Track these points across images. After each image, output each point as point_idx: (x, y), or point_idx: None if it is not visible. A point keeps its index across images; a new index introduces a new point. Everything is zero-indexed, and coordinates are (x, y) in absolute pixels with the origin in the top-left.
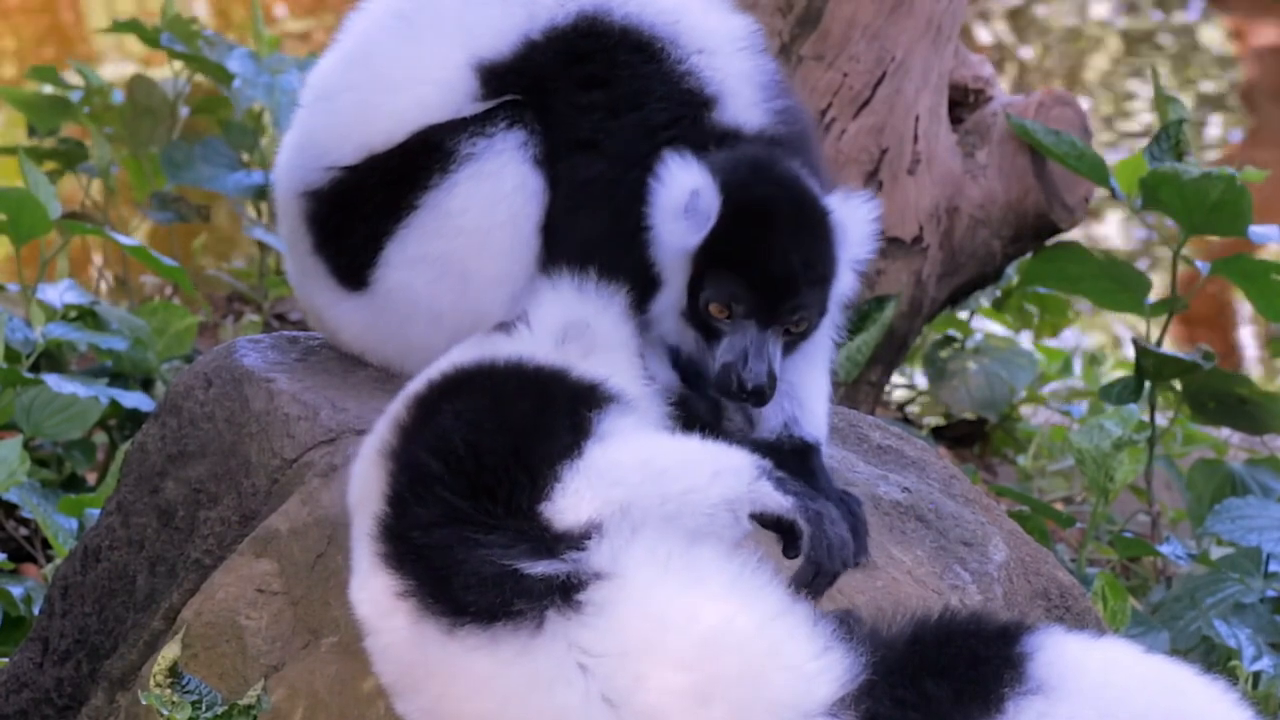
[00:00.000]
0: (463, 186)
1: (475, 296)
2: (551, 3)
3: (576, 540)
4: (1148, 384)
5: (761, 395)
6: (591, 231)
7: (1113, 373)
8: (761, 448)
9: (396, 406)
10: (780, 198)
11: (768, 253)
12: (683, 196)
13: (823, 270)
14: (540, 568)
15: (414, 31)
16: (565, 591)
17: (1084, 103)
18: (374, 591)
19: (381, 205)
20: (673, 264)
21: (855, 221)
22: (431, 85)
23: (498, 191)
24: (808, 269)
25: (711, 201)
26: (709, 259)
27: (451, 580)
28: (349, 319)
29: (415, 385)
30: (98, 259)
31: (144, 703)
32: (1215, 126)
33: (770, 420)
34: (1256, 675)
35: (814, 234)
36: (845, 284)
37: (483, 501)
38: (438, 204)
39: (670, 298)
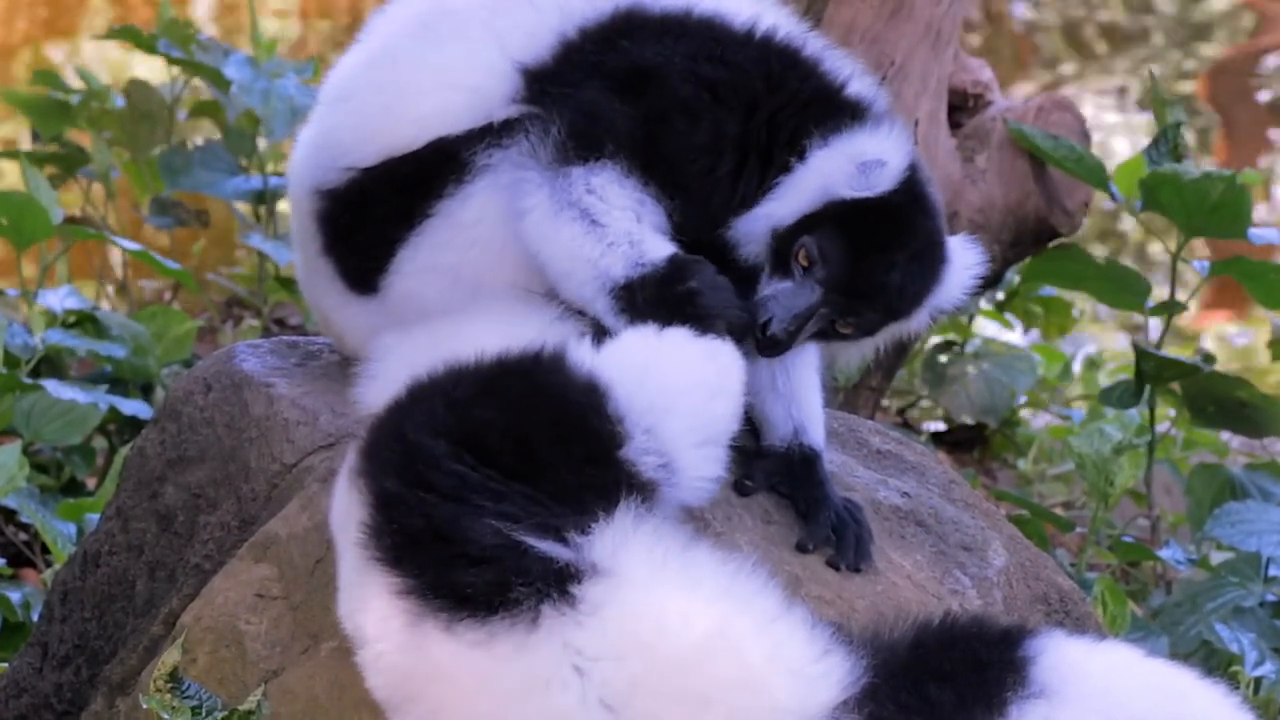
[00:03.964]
0: (477, 198)
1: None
2: (582, 3)
3: (582, 521)
4: (1148, 387)
5: (775, 345)
6: (696, 134)
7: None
8: (772, 457)
9: (364, 427)
10: (927, 226)
11: (886, 258)
12: (878, 155)
13: (909, 307)
14: (544, 546)
15: (439, 39)
16: (561, 581)
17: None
18: (368, 598)
19: (395, 210)
20: (804, 191)
21: (961, 270)
22: (460, 91)
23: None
24: (899, 299)
25: (889, 177)
26: (838, 213)
27: (453, 561)
28: (356, 322)
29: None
30: (97, 264)
31: (145, 707)
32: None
33: (780, 429)
34: (1258, 680)
35: (928, 274)
36: (913, 323)
37: (493, 469)
38: (451, 214)
39: (775, 213)
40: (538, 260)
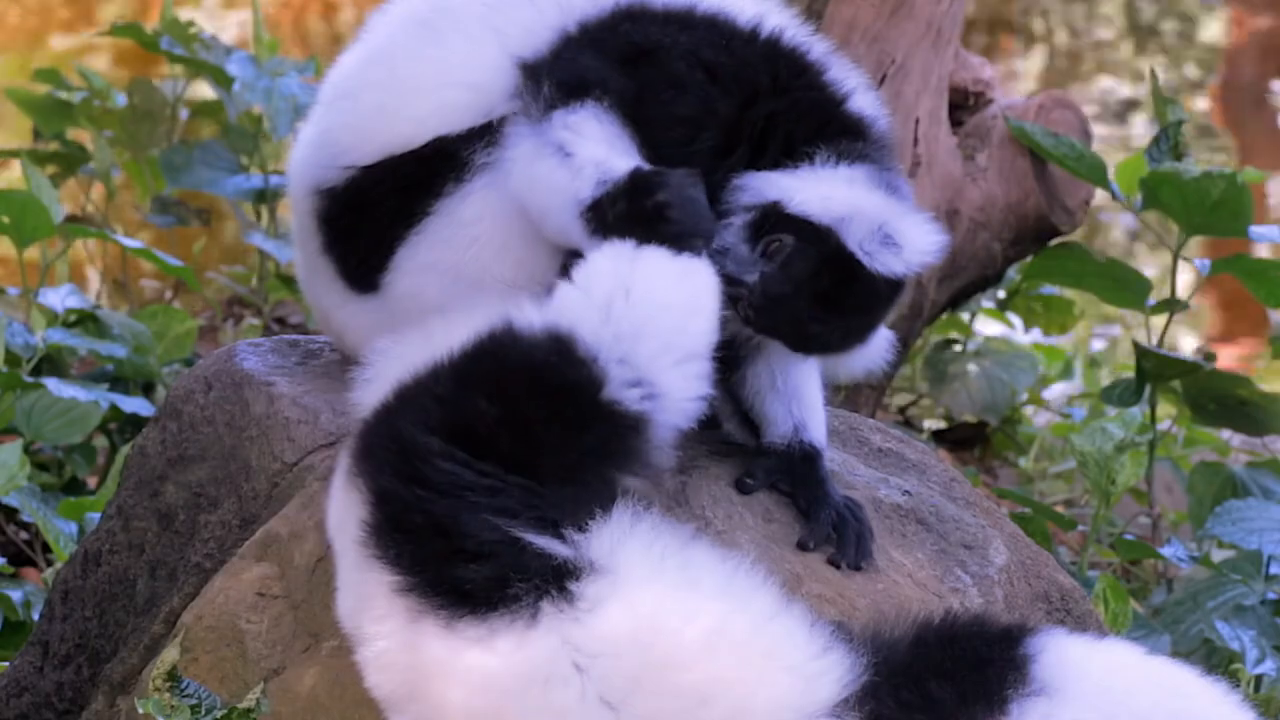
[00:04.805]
0: (477, 196)
1: None
2: (584, 1)
3: (581, 515)
4: (1149, 385)
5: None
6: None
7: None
8: (773, 455)
9: (354, 430)
10: (879, 314)
11: (827, 313)
12: (906, 242)
13: (807, 350)
14: (541, 542)
15: (438, 36)
16: (560, 578)
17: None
18: (368, 597)
19: (395, 209)
20: (823, 200)
21: (865, 358)
22: (460, 88)
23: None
24: (803, 341)
25: (895, 266)
26: (831, 247)
27: (452, 557)
28: (356, 321)
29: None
30: (98, 263)
31: (142, 708)
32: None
33: (780, 426)
34: (1258, 678)
35: (843, 344)
36: (796, 358)
37: (488, 461)
38: (451, 212)
39: (788, 193)
40: (524, 207)
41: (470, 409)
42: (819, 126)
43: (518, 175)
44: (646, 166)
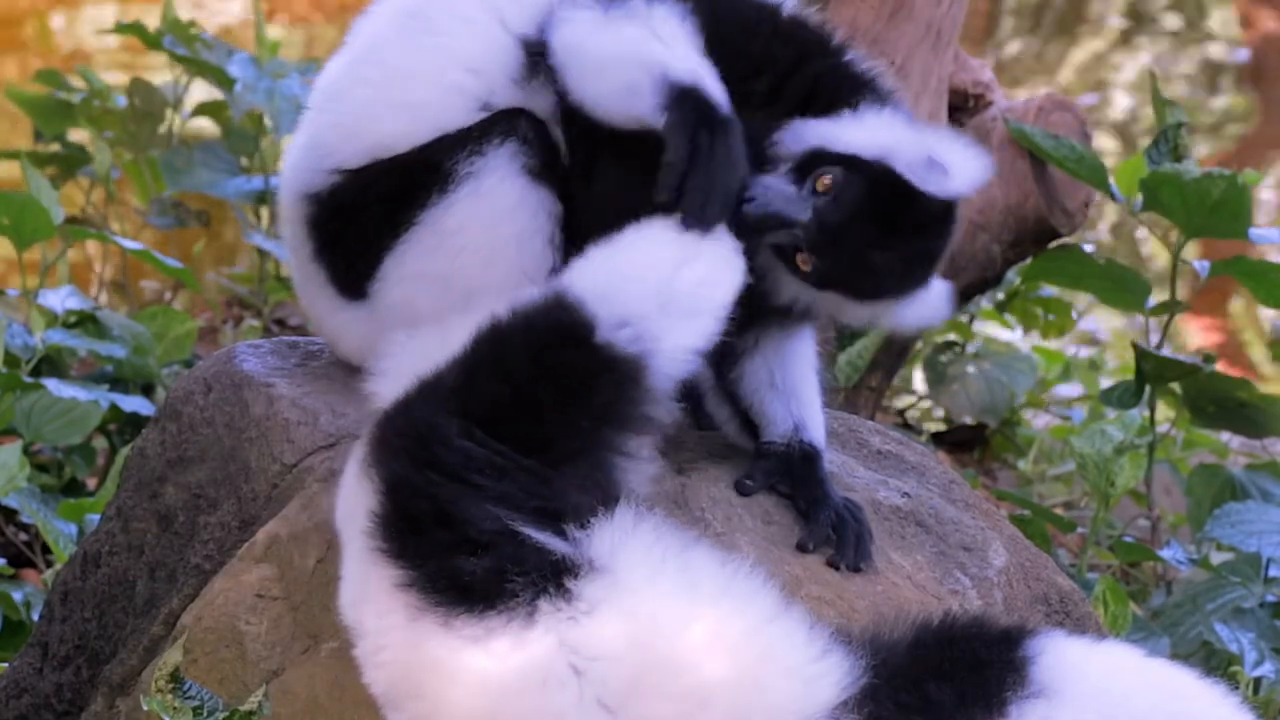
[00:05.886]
0: (460, 205)
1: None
2: None
3: (583, 511)
4: (1148, 387)
5: (744, 216)
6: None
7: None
8: (772, 456)
9: (373, 421)
10: (933, 245)
11: (883, 238)
12: (954, 165)
13: (867, 291)
14: (541, 537)
15: (431, 23)
16: (557, 575)
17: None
18: (370, 592)
19: (380, 218)
20: (868, 136)
21: (925, 304)
22: (458, 72)
23: (496, 209)
24: (864, 276)
25: (944, 187)
26: (881, 176)
27: (453, 548)
28: (348, 328)
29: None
30: (98, 264)
31: (146, 708)
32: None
33: (779, 425)
34: (1257, 681)
35: (904, 281)
36: (853, 311)
37: (505, 442)
38: (436, 221)
39: (830, 136)
40: (565, 60)
41: (483, 387)
42: (856, 92)
43: (575, 30)
44: (724, 108)
